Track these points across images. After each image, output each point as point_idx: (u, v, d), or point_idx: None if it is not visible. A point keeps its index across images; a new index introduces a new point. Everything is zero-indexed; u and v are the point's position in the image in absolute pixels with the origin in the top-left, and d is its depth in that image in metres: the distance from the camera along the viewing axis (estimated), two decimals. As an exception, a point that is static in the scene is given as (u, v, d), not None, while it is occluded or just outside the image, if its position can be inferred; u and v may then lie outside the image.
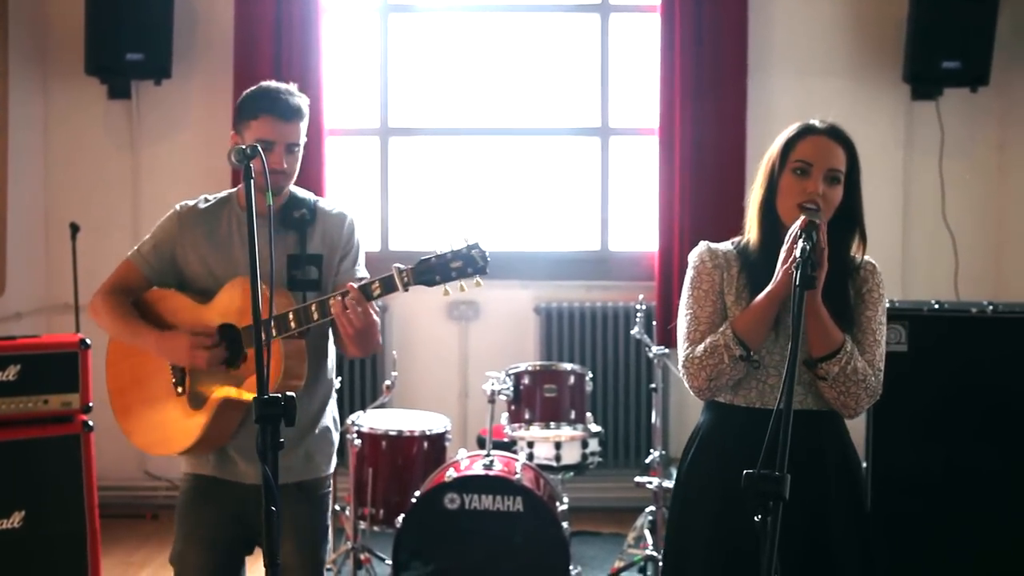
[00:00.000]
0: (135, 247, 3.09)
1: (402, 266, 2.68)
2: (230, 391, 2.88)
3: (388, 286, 2.68)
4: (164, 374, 3.01)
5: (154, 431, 3.03)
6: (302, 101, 2.93)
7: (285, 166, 2.88)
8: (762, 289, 2.54)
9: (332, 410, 3.12)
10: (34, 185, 6.02)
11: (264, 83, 2.97)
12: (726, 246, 2.72)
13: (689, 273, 2.71)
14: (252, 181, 2.40)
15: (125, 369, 3.08)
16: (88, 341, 3.98)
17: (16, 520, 3.80)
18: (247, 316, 2.81)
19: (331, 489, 3.12)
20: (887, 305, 2.66)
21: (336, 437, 3.13)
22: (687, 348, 2.64)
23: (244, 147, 2.46)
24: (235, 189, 3.09)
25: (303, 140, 2.95)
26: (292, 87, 2.96)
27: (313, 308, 2.75)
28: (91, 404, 3.95)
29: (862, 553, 2.62)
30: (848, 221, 2.62)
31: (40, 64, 6.04)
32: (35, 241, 6.03)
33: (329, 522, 3.11)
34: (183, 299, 2.99)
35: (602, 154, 6.20)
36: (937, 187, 5.92)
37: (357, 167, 6.27)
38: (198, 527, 2.99)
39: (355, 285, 2.69)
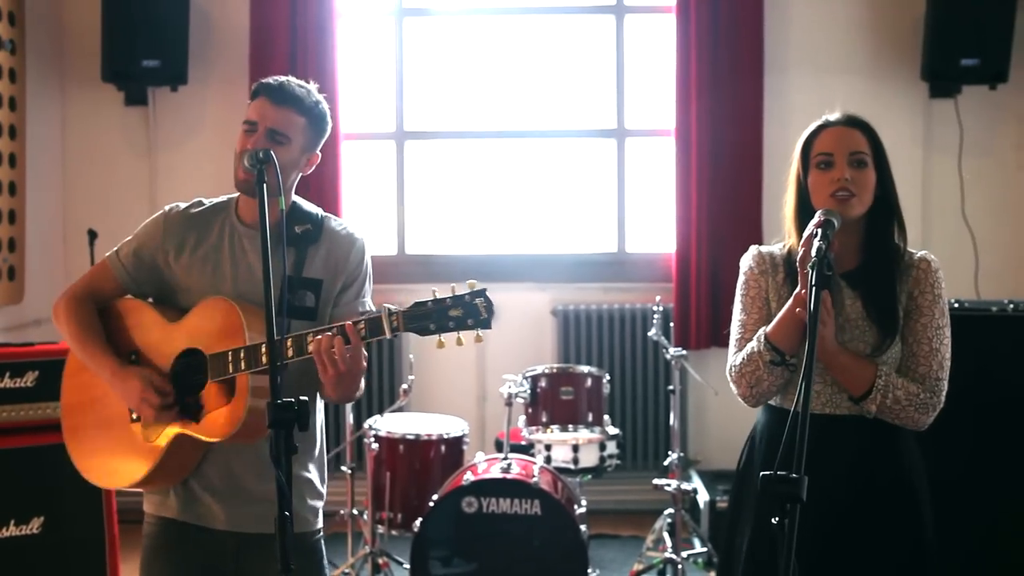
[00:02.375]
0: (115, 247, 2.75)
1: (393, 307, 2.34)
2: (187, 427, 2.53)
3: (374, 330, 2.33)
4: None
5: (101, 459, 2.70)
6: (306, 97, 2.61)
7: (257, 146, 2.47)
8: None
9: (322, 452, 2.74)
10: (52, 192, 6.05)
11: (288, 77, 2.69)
12: (775, 248, 2.70)
13: (740, 279, 2.70)
14: (264, 187, 2.29)
15: (82, 384, 2.74)
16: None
17: (35, 526, 3.81)
18: (219, 342, 2.49)
19: (322, 535, 2.73)
20: (943, 306, 2.56)
21: (322, 492, 2.72)
22: (732, 355, 2.63)
23: (257, 152, 2.35)
24: (235, 195, 2.69)
25: (299, 140, 2.58)
26: (313, 87, 2.67)
27: (289, 344, 2.38)
28: (109, 410, 3.95)
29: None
30: (885, 207, 2.59)
31: (57, 71, 6.07)
32: (53, 248, 6.06)
33: (327, 570, 2.74)
34: (152, 315, 2.66)
35: (618, 155, 6.19)
36: (956, 185, 5.89)
37: (373, 171, 6.27)
38: None
39: (350, 323, 2.35)
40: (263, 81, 2.65)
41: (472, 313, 2.30)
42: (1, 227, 5.37)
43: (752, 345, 2.55)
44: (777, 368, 2.51)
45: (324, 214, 2.70)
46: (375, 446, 4.62)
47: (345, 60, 6.02)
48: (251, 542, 2.57)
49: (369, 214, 6.22)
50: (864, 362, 2.48)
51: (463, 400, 5.96)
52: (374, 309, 2.56)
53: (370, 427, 4.68)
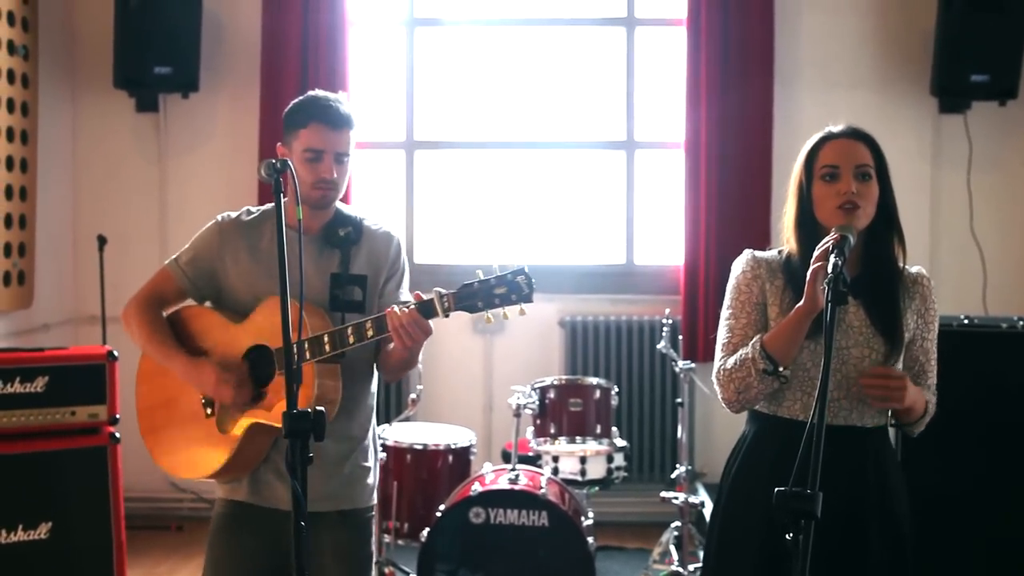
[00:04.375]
0: (174, 256, 2.95)
1: (443, 290, 2.53)
2: (259, 416, 2.77)
3: (427, 311, 2.53)
4: (194, 395, 2.88)
5: (182, 453, 2.92)
6: (352, 111, 2.83)
7: (335, 176, 2.77)
8: None
9: (373, 436, 2.98)
10: (62, 197, 6.06)
11: (313, 92, 2.87)
12: (772, 255, 2.69)
13: (730, 282, 2.69)
14: (282, 196, 2.35)
15: (156, 387, 2.96)
16: (115, 353, 3.99)
17: (43, 531, 3.82)
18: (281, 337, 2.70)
19: (374, 515, 3.00)
20: (937, 321, 2.69)
21: (376, 465, 2.99)
22: (720, 359, 2.62)
23: (274, 161, 2.40)
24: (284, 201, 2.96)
25: (352, 151, 2.85)
26: (342, 96, 2.86)
27: (349, 331, 2.61)
28: (118, 416, 3.96)
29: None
30: (886, 220, 2.60)
31: (69, 77, 6.09)
32: (63, 253, 6.07)
33: (373, 548, 2.98)
34: (216, 317, 2.89)
35: (628, 167, 6.19)
36: (965, 201, 5.88)
37: (383, 180, 6.28)
38: (231, 557, 2.86)
39: (394, 308, 2.55)
40: (314, 106, 2.81)
41: (515, 289, 2.50)
42: (11, 232, 5.38)
43: (746, 351, 2.54)
44: (769, 377, 2.51)
45: (361, 216, 2.94)
46: (383, 455, 4.61)
47: (356, 69, 6.04)
48: (309, 520, 2.65)
49: (398, 230, 6.22)
50: (918, 388, 2.57)
51: (471, 410, 5.96)
52: (411, 299, 2.69)
53: (378, 436, 4.67)
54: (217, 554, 2.88)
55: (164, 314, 2.94)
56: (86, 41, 6.09)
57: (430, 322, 2.55)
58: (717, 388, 2.63)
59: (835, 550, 2.46)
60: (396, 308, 2.54)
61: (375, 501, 2.97)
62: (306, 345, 2.62)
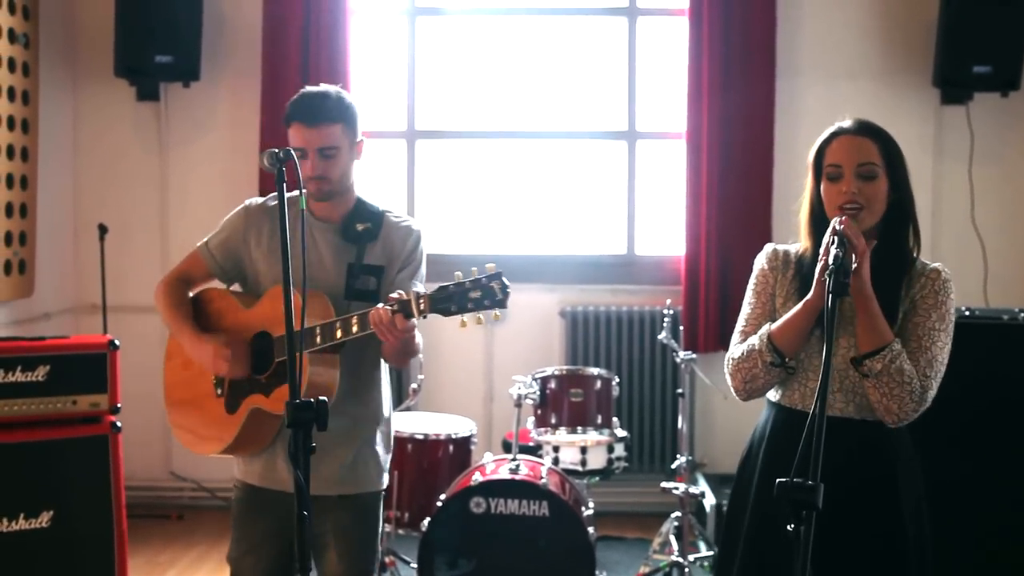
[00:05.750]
0: (204, 239, 3.08)
1: (421, 291, 2.58)
2: (259, 401, 2.86)
3: (404, 311, 2.57)
4: (209, 374, 3.01)
5: (193, 430, 3.06)
6: (338, 104, 2.86)
7: (317, 172, 2.83)
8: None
9: (383, 423, 3.04)
10: (63, 186, 6.06)
11: (304, 88, 2.92)
12: (792, 247, 2.72)
13: (753, 273, 2.75)
14: (284, 185, 2.39)
15: (178, 364, 3.10)
16: (117, 342, 3.99)
17: (44, 520, 3.82)
18: (283, 325, 2.71)
19: (381, 502, 3.07)
20: (943, 312, 2.55)
21: (385, 452, 3.06)
22: (732, 346, 2.67)
23: (276, 151, 2.43)
24: (304, 191, 2.93)
25: (344, 142, 2.88)
26: (330, 89, 2.90)
27: (337, 326, 2.68)
28: (119, 405, 3.96)
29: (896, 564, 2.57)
30: (900, 215, 2.59)
31: (70, 66, 6.08)
32: (63, 242, 6.07)
33: (379, 533, 3.06)
34: (231, 301, 3.01)
35: (629, 157, 6.19)
36: (967, 192, 5.88)
37: (384, 170, 6.28)
38: (250, 537, 3.01)
39: (379, 307, 2.60)
40: (293, 105, 2.87)
41: (489, 295, 2.51)
42: (12, 221, 5.38)
43: (754, 342, 2.57)
44: (775, 369, 2.54)
45: (384, 208, 3.03)
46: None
47: (357, 58, 6.02)
48: (317, 503, 2.76)
49: (421, 224, 6.21)
50: (887, 323, 2.47)
51: (471, 400, 5.96)
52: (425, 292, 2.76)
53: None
54: (238, 535, 3.03)
55: (191, 294, 3.08)
56: (87, 29, 6.08)
57: (413, 320, 2.58)
58: (727, 376, 2.67)
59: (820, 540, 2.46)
60: (380, 306, 2.58)
61: (384, 484, 3.05)
62: (303, 336, 2.63)
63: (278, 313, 2.76)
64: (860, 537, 2.56)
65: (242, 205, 3.05)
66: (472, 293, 2.51)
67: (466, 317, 2.53)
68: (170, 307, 3.01)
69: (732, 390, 2.66)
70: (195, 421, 3.06)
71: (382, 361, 3.01)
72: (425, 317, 2.54)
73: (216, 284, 3.11)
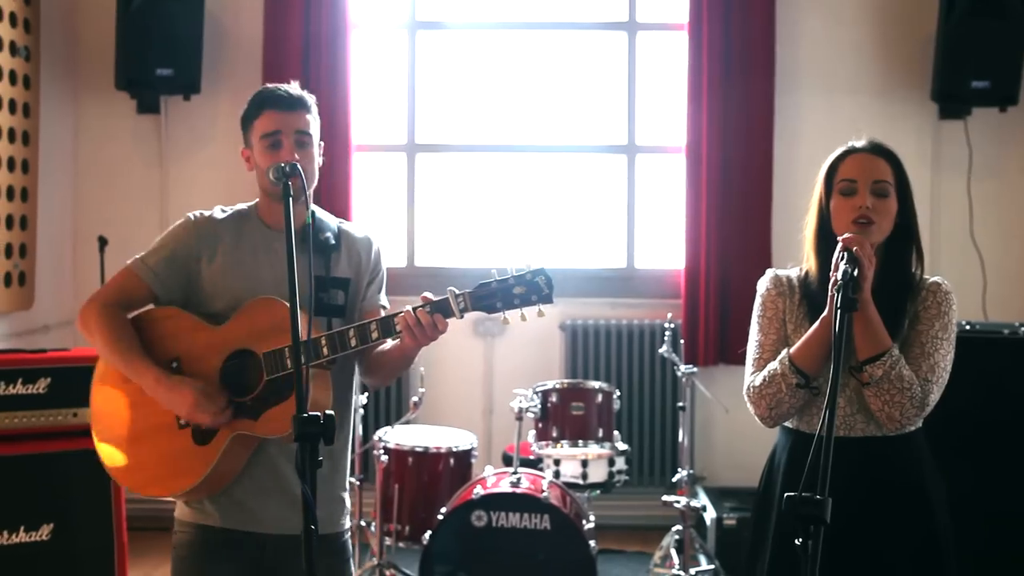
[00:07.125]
0: (138, 255, 2.72)
1: (457, 290, 2.42)
2: (244, 427, 2.56)
3: (443, 311, 2.42)
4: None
5: (147, 468, 2.65)
6: (306, 95, 2.68)
7: (296, 157, 2.56)
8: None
9: (343, 466, 2.78)
10: (63, 198, 6.06)
11: (265, 85, 2.74)
12: (793, 272, 2.72)
13: (756, 300, 2.72)
14: (290, 199, 2.35)
15: (116, 392, 2.70)
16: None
17: (45, 532, 3.82)
18: (272, 340, 2.53)
19: (348, 535, 2.79)
20: (946, 322, 2.56)
21: (346, 494, 2.80)
22: (750, 376, 2.64)
23: (283, 165, 2.40)
24: (253, 203, 2.78)
25: (315, 135, 2.67)
26: (293, 84, 2.70)
27: (351, 333, 2.49)
28: (120, 418, 3.95)
29: None
30: (904, 235, 2.61)
31: (71, 78, 6.09)
32: (63, 254, 6.07)
33: (353, 568, 2.82)
34: (191, 320, 2.65)
35: (629, 172, 6.20)
36: (965, 207, 5.89)
37: (384, 183, 6.29)
38: None
39: (410, 309, 2.43)
40: (260, 95, 2.69)
41: (535, 290, 2.42)
42: (12, 233, 5.38)
43: (774, 367, 2.56)
44: (800, 391, 2.53)
45: (338, 220, 2.82)
46: (384, 458, 4.62)
47: (358, 72, 6.04)
48: (288, 543, 2.53)
49: (380, 226, 6.22)
50: (886, 330, 2.48)
51: (471, 413, 5.96)
52: (388, 305, 2.72)
53: (379, 439, 4.69)
54: None
55: (128, 317, 2.70)
56: (88, 42, 6.09)
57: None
58: (749, 406, 2.64)
59: (850, 539, 2.47)
60: (410, 309, 2.44)
61: (349, 525, 2.79)
62: (311, 348, 2.48)
63: (261, 327, 2.55)
64: (892, 535, 2.55)
65: (187, 218, 2.75)
66: (516, 289, 2.41)
67: (509, 314, 2.42)
68: (112, 339, 2.62)
69: (757, 418, 2.63)
70: (150, 458, 2.64)
71: (355, 393, 2.81)
72: (463, 316, 2.42)
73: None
